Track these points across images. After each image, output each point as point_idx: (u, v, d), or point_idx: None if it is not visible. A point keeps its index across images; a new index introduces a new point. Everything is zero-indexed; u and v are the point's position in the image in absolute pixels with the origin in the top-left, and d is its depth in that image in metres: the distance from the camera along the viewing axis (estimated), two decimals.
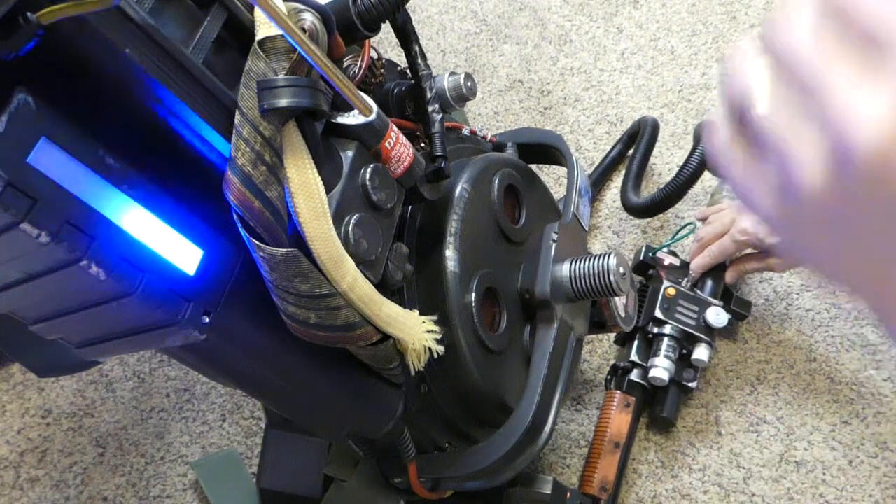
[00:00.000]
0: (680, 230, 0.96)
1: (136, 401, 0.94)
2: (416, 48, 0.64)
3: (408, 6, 0.60)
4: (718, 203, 0.93)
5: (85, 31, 0.39)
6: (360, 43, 0.63)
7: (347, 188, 0.51)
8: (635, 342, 0.88)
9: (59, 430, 0.93)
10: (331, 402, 0.58)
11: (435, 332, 0.58)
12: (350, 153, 0.52)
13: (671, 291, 0.88)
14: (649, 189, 1.05)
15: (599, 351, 0.95)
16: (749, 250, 0.87)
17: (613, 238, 1.03)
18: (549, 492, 0.76)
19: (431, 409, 0.67)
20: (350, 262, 0.49)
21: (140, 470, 0.90)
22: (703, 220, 0.92)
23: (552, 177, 1.08)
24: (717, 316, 0.85)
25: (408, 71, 0.66)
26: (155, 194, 0.45)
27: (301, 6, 0.48)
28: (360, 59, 0.64)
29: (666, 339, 0.85)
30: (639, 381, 0.86)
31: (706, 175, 0.94)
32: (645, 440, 0.87)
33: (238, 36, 0.47)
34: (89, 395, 0.95)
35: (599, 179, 1.05)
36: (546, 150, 0.84)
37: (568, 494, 0.78)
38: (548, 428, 0.65)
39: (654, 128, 1.00)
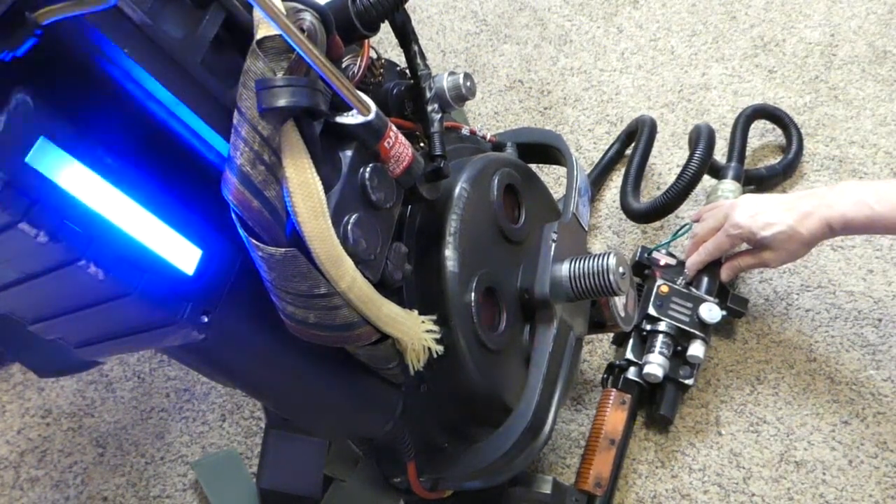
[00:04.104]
0: (677, 231, 0.96)
1: (136, 401, 0.94)
2: (416, 48, 0.64)
3: (407, 6, 0.60)
4: (714, 202, 0.94)
5: (83, 31, 0.39)
6: (359, 43, 0.63)
7: (346, 188, 0.51)
8: (630, 340, 0.88)
9: (59, 430, 0.93)
10: (330, 402, 0.59)
11: (434, 331, 0.58)
12: (349, 153, 0.52)
13: (664, 289, 0.88)
14: (649, 190, 1.05)
15: (599, 351, 0.95)
16: (744, 246, 0.87)
17: (613, 238, 1.03)
18: (548, 491, 0.76)
19: (431, 409, 0.67)
20: (349, 262, 0.49)
21: (140, 470, 0.90)
22: (699, 221, 0.92)
23: (552, 177, 1.08)
24: (710, 312, 0.86)
25: (407, 71, 0.66)
26: (154, 194, 0.45)
27: (299, 6, 0.48)
28: (359, 59, 0.64)
29: (660, 336, 0.86)
30: (634, 378, 0.86)
31: (705, 177, 0.94)
32: (645, 440, 0.87)
33: (237, 36, 0.47)
34: (89, 395, 0.95)
35: (598, 179, 1.05)
36: (546, 149, 0.84)
37: None
38: (547, 427, 0.65)
39: (652, 128, 1.00)
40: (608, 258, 0.67)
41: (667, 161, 1.07)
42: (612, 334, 0.95)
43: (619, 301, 0.75)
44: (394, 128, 0.54)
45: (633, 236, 1.02)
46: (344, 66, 0.64)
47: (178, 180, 0.47)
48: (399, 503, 0.76)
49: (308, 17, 0.48)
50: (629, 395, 0.85)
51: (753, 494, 0.83)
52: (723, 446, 0.86)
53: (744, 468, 0.84)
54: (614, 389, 0.86)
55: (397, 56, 0.70)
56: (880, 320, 0.91)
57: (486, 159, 0.71)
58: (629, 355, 0.87)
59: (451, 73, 0.68)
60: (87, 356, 0.54)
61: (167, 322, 0.45)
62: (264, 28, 0.46)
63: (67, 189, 0.40)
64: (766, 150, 1.08)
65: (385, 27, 0.60)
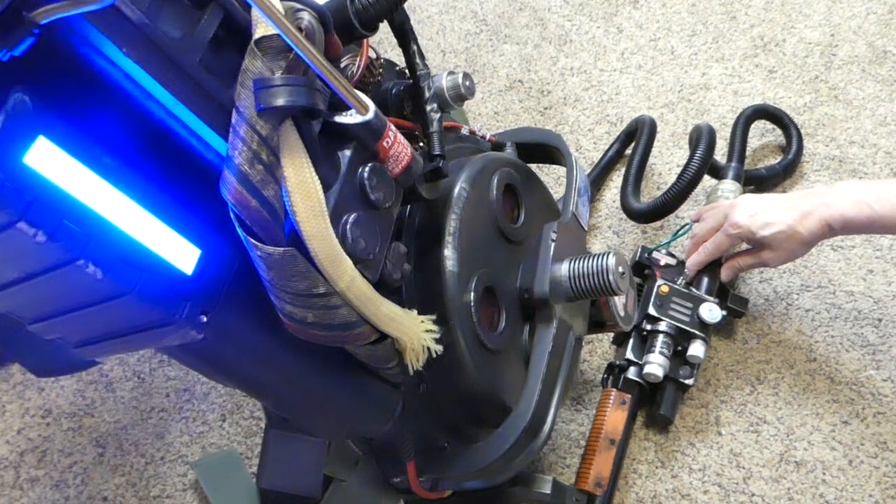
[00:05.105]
0: (677, 231, 0.96)
1: (136, 401, 0.94)
2: (415, 47, 0.64)
3: (407, 6, 0.60)
4: (713, 202, 0.94)
5: (82, 31, 0.39)
6: (358, 42, 0.63)
7: (345, 187, 0.51)
8: (630, 340, 0.88)
9: (59, 430, 0.93)
10: (329, 402, 0.59)
11: (433, 331, 0.58)
12: (348, 152, 0.52)
13: (665, 289, 0.88)
14: (649, 190, 1.05)
15: (599, 351, 0.95)
16: (744, 246, 0.87)
17: (613, 238, 1.03)
18: (548, 491, 0.76)
19: (430, 409, 0.67)
20: (348, 261, 0.49)
21: (140, 470, 0.90)
22: (699, 221, 0.92)
23: (552, 177, 1.08)
24: (710, 312, 0.86)
25: (406, 70, 0.66)
26: (152, 193, 0.45)
27: (298, 5, 0.48)
28: (358, 59, 0.64)
29: (660, 336, 0.86)
30: (635, 378, 0.86)
31: (705, 177, 0.94)
32: (645, 440, 0.87)
33: (235, 35, 0.47)
34: (89, 395, 0.95)
35: (598, 179, 1.05)
36: (546, 149, 0.84)
37: None
38: (547, 427, 0.65)
39: (652, 128, 1.00)
40: (608, 258, 0.67)
41: (667, 161, 1.07)
42: (612, 334, 0.95)
43: (619, 301, 0.75)
44: (393, 127, 0.54)
45: (633, 236, 1.02)
46: (343, 65, 0.64)
47: (177, 180, 0.47)
48: (399, 503, 0.76)
49: (306, 17, 0.48)
50: (629, 395, 0.85)
51: (753, 494, 0.83)
52: (723, 446, 0.86)
53: (744, 468, 0.84)
54: (614, 389, 0.86)
55: (397, 56, 0.70)
56: (880, 320, 0.91)
57: (485, 159, 0.71)
58: (629, 355, 0.87)
59: (451, 73, 0.68)
60: (86, 356, 0.54)
61: (166, 322, 0.45)
62: (262, 27, 0.46)
63: (66, 188, 0.40)
64: (766, 150, 1.08)
65: (384, 27, 0.60)
